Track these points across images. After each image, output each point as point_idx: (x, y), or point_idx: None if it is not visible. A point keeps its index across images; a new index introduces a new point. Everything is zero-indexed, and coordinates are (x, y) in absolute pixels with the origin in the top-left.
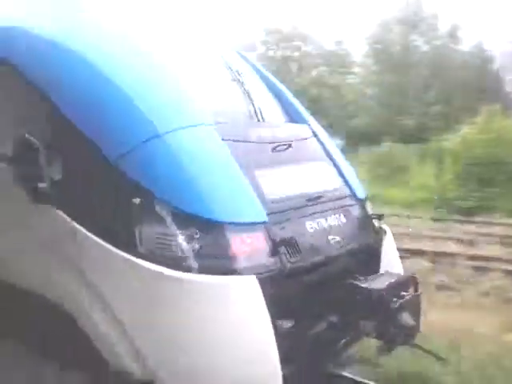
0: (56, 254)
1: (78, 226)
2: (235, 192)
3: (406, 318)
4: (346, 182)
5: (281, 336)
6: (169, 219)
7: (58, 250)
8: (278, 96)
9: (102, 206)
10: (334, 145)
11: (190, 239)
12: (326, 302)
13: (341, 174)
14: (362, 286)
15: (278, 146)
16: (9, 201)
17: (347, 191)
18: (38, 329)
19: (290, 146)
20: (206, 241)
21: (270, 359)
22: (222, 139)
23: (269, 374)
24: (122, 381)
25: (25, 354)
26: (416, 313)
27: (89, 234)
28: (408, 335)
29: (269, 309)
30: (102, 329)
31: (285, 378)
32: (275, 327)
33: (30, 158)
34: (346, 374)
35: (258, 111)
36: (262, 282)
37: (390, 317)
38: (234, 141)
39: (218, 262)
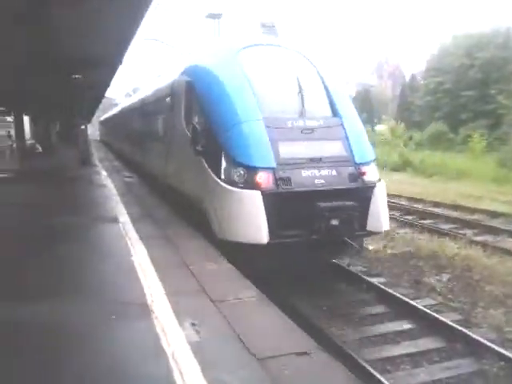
0: (200, 179)
1: (206, 167)
2: (262, 153)
3: (335, 224)
4: (348, 153)
5: (269, 218)
6: (233, 165)
7: (201, 178)
8: (329, 95)
9: (214, 159)
10: (356, 131)
11: (239, 174)
12: (302, 213)
13: (346, 149)
14: (318, 204)
15: (304, 130)
16: (188, 155)
17: (345, 158)
18: (190, 214)
19: (312, 130)
20: (246, 175)
21: (259, 226)
22: (266, 127)
23: (256, 229)
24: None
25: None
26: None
27: (209, 171)
28: (336, 235)
29: (265, 206)
30: (212, 214)
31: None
32: (267, 214)
33: (195, 136)
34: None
35: (302, 107)
36: (264, 195)
37: (324, 222)
38: (272, 127)
39: (250, 185)
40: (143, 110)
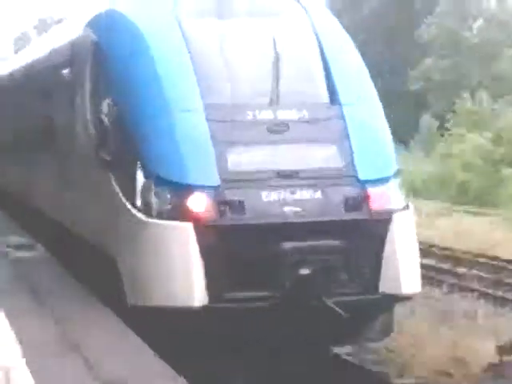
0: (107, 209)
1: (115, 187)
2: (199, 163)
3: (306, 274)
4: (348, 163)
5: (207, 268)
6: (152, 183)
7: (109, 206)
8: (326, 68)
9: (126, 173)
10: (368, 126)
11: (161, 197)
12: (261, 259)
13: (344, 157)
14: (281, 244)
15: (273, 126)
16: (90, 168)
17: (340, 171)
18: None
19: (288, 127)
20: (171, 198)
21: (189, 279)
22: (207, 119)
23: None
24: None
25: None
26: None
27: (119, 194)
28: (309, 294)
29: (200, 248)
30: (122, 267)
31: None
32: (204, 261)
33: (101, 136)
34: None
35: (276, 89)
36: (198, 229)
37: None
38: (218, 121)
39: (177, 214)
40: (24, 88)
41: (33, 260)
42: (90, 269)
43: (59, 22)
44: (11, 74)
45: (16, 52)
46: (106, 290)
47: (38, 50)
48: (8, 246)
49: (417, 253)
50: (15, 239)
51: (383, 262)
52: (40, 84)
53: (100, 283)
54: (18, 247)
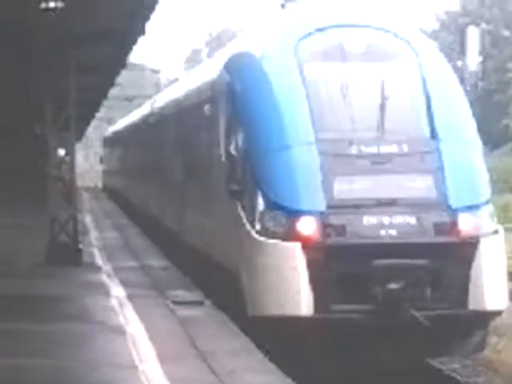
0: (234, 233)
1: (241, 214)
2: (308, 191)
3: (394, 288)
4: (441, 192)
5: (314, 283)
6: (269, 208)
7: (235, 231)
8: (429, 106)
9: (249, 201)
10: (462, 160)
11: (276, 220)
12: (360, 276)
13: (438, 186)
14: (374, 262)
15: (376, 159)
16: (221, 197)
17: (433, 199)
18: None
19: (389, 159)
20: (284, 221)
21: (297, 291)
22: (318, 152)
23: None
24: None
25: None
26: None
27: (243, 220)
28: (398, 305)
29: (308, 265)
30: (243, 283)
31: None
32: (310, 277)
33: (231, 169)
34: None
35: (381, 125)
36: (306, 249)
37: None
38: (327, 154)
39: (289, 235)
40: (166, 125)
41: (202, 319)
42: (218, 283)
43: (233, 37)
44: (156, 112)
45: (187, 71)
46: (230, 302)
47: (185, 88)
48: (175, 303)
49: (504, 273)
50: (182, 294)
51: (471, 280)
52: (186, 118)
53: (225, 296)
54: (186, 303)
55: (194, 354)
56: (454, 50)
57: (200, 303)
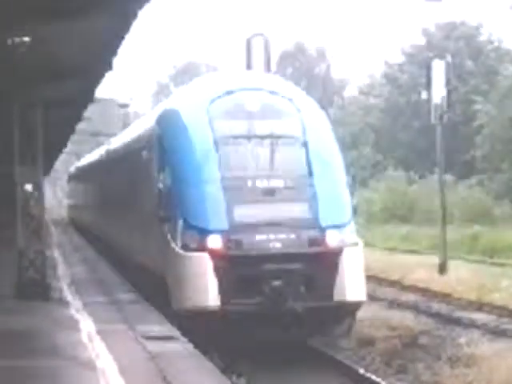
0: (164, 249)
1: (167, 234)
2: (216, 215)
3: (278, 285)
4: (313, 215)
5: (220, 283)
6: (188, 228)
7: (164, 247)
8: (307, 150)
9: (173, 224)
10: (332, 191)
11: (192, 237)
12: (253, 277)
13: (312, 211)
14: (264, 266)
15: (265, 191)
16: (154, 221)
17: (308, 221)
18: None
19: (275, 191)
20: (198, 238)
21: (207, 288)
22: (223, 188)
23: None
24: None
25: None
26: None
27: (169, 238)
28: (280, 299)
29: (215, 270)
30: (170, 286)
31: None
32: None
33: (160, 199)
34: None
35: (271, 165)
36: (213, 257)
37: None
38: (231, 189)
39: (201, 248)
40: (116, 165)
41: (173, 354)
42: (150, 286)
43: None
44: (105, 157)
45: (155, 105)
46: (159, 299)
47: (130, 135)
48: (145, 337)
49: (361, 274)
50: (153, 328)
51: (336, 279)
52: (126, 162)
53: (154, 295)
54: (157, 338)
55: None
56: (420, 83)
57: (171, 338)
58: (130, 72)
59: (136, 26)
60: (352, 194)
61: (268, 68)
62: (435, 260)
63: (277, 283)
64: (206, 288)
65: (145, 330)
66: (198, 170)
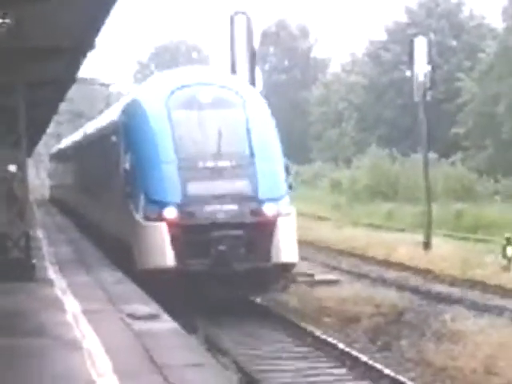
0: (129, 220)
1: (132, 207)
2: (172, 191)
3: (223, 249)
4: (253, 190)
5: (174, 247)
6: (148, 202)
7: (129, 218)
8: (249, 136)
9: (136, 198)
10: (269, 169)
11: (152, 209)
12: (202, 242)
13: (252, 187)
14: (211, 233)
15: (213, 170)
16: (120, 197)
17: (248, 194)
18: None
19: (222, 170)
20: (157, 209)
21: (164, 252)
22: (178, 168)
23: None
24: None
25: None
26: None
27: (133, 210)
28: (225, 260)
29: (171, 236)
30: (134, 250)
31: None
32: (172, 243)
33: (126, 178)
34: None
35: (218, 148)
36: (169, 226)
37: (213, 247)
38: (184, 168)
39: (159, 218)
40: (90, 148)
41: (158, 332)
42: (115, 250)
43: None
44: (81, 140)
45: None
46: (124, 262)
47: (95, 127)
48: (130, 316)
49: (294, 239)
50: (138, 307)
51: (272, 244)
52: (99, 145)
53: (120, 259)
54: (142, 317)
55: (151, 368)
56: (403, 61)
57: (156, 316)
58: (111, 52)
59: (118, 5)
60: (288, 172)
61: (250, 46)
62: (419, 237)
63: (222, 247)
64: (163, 251)
65: (130, 309)
66: (156, 153)
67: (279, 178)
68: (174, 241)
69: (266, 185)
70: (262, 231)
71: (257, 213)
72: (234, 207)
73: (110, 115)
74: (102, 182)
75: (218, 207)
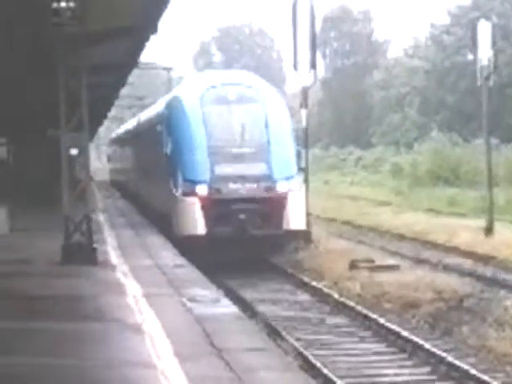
0: (169, 195)
1: (172, 185)
2: (203, 172)
3: (242, 218)
4: (269, 171)
5: (205, 218)
6: (184, 181)
7: (170, 193)
8: (267, 128)
9: (175, 178)
10: (283, 155)
11: (187, 186)
12: (227, 213)
13: (268, 169)
14: (233, 206)
15: (237, 155)
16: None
17: (265, 175)
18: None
19: (243, 155)
20: (191, 187)
21: (196, 222)
22: (209, 153)
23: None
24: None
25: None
26: None
27: (173, 187)
28: (244, 228)
29: (202, 209)
30: (173, 219)
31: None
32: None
33: (167, 161)
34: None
35: (242, 138)
36: (200, 200)
37: (234, 217)
38: (213, 153)
39: (193, 194)
40: (143, 134)
41: (218, 316)
42: (160, 222)
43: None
44: (135, 127)
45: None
46: (165, 230)
47: (146, 116)
48: (191, 300)
49: (302, 211)
50: (198, 291)
51: (284, 214)
52: (148, 133)
53: (161, 227)
54: (202, 301)
55: (211, 351)
56: (466, 45)
57: (216, 300)
58: (172, 36)
59: None
60: (299, 157)
61: (312, 30)
62: (481, 223)
63: (242, 217)
64: (196, 221)
65: (191, 293)
66: (191, 141)
67: (291, 161)
68: (204, 212)
69: (280, 167)
70: (275, 204)
71: (271, 190)
72: (252, 185)
73: (158, 107)
74: (150, 165)
75: (239, 185)
